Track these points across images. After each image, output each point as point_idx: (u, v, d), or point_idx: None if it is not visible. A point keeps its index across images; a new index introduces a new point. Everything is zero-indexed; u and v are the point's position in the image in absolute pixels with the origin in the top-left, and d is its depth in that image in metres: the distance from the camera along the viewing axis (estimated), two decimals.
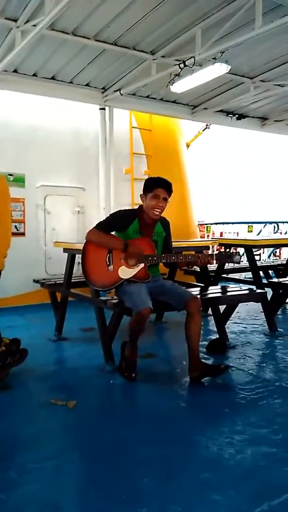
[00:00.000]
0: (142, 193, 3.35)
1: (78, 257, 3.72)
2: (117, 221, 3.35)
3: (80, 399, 2.88)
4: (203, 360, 3.27)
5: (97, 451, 2.25)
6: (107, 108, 6.65)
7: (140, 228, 3.33)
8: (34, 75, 5.80)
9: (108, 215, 3.51)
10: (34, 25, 4.26)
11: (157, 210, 3.29)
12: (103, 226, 3.31)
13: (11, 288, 5.61)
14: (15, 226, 5.92)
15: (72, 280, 4.35)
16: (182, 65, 5.13)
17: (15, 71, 5.63)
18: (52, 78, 5.93)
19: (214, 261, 3.51)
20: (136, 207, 3.50)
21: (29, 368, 3.40)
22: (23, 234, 6.07)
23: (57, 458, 2.16)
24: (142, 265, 3.25)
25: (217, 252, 3.40)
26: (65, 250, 4.36)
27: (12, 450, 2.28)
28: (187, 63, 5.04)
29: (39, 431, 2.48)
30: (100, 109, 6.64)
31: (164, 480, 1.97)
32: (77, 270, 4.26)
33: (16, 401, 2.92)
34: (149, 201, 3.27)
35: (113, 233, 3.38)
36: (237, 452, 2.20)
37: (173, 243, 3.63)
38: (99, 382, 3.26)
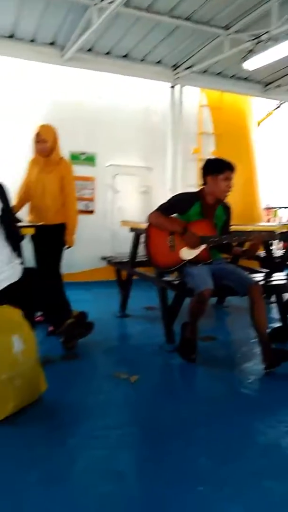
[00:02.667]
0: (207, 174, 3.31)
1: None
2: (178, 204, 3.37)
3: (141, 374, 3.00)
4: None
5: (156, 426, 2.36)
6: (177, 86, 6.59)
7: (202, 210, 3.33)
8: (108, 53, 5.85)
9: (169, 198, 3.54)
10: (110, 3, 4.29)
11: (228, 192, 3.30)
12: (164, 209, 3.35)
13: (79, 264, 5.87)
14: (86, 204, 6.14)
15: (137, 260, 4.46)
16: (256, 41, 4.93)
17: (89, 50, 5.72)
18: (125, 56, 5.96)
19: (277, 240, 3.46)
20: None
21: (94, 341, 3.58)
22: (92, 212, 6.27)
23: (120, 429, 2.30)
24: (203, 246, 3.26)
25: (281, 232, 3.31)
26: (131, 229, 4.46)
27: (79, 417, 2.45)
28: (261, 38, 4.84)
29: (103, 401, 2.63)
30: (170, 87, 6.59)
31: (219, 462, 2.04)
32: (142, 249, 4.37)
33: (83, 371, 3.11)
34: (219, 183, 3.25)
35: (175, 215, 3.41)
36: None
37: (237, 226, 3.57)
38: (159, 360, 3.37)
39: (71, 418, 2.42)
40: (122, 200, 6.55)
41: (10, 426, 2.25)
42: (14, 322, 2.47)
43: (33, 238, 3.71)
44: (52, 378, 2.64)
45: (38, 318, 3.72)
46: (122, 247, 5.77)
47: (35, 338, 2.52)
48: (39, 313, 3.79)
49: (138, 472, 2.00)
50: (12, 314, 2.51)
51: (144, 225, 3.60)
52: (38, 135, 3.66)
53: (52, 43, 5.51)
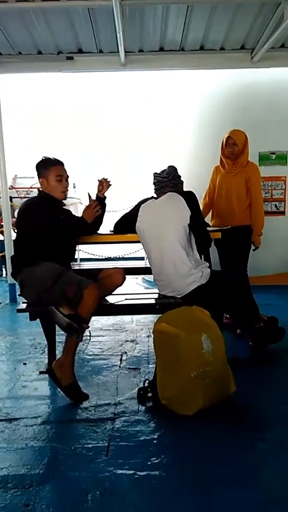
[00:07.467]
0: None
1: None
2: None
3: None
4: None
5: None
6: None
7: None
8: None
9: None
10: None
11: None
12: None
13: (268, 267, 5.70)
14: (275, 205, 5.94)
15: None
16: None
17: (281, 46, 5.48)
18: None
19: None
20: None
21: (286, 348, 3.42)
22: (283, 213, 6.01)
23: None
24: None
25: None
26: None
27: (268, 423, 2.38)
28: None
29: None
30: None
31: None
32: None
33: (272, 377, 3.02)
34: None
35: None
36: None
37: None
38: None
39: (260, 423, 2.38)
40: None
41: (200, 421, 2.35)
42: (203, 323, 2.56)
43: (218, 241, 3.80)
44: (241, 381, 2.64)
45: (225, 321, 3.78)
46: None
47: (223, 339, 2.57)
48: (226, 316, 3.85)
49: None
50: (201, 315, 2.62)
51: None
52: (228, 138, 3.75)
53: (241, 48, 5.49)
